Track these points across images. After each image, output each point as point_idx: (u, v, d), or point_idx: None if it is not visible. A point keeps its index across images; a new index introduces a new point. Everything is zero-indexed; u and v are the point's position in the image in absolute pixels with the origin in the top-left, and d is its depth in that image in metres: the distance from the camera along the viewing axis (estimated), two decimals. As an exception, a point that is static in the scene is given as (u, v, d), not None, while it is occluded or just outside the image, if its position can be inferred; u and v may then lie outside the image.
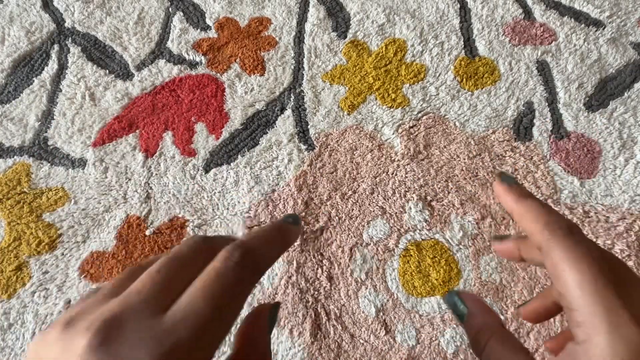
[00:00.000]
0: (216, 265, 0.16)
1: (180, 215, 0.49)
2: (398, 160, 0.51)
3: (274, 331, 0.43)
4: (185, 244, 0.18)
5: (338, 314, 0.44)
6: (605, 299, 0.16)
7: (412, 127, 0.53)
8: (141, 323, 0.15)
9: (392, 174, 0.50)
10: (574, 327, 0.17)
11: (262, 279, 0.45)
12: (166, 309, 0.15)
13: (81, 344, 0.14)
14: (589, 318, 0.16)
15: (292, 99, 0.56)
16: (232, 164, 0.52)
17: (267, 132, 0.54)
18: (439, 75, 0.57)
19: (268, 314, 0.21)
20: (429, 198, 0.49)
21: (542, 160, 0.50)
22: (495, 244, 0.24)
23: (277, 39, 0.61)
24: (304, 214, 0.48)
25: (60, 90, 0.58)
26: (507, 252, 0.24)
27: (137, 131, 0.55)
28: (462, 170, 0.50)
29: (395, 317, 0.43)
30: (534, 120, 0.53)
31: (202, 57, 0.60)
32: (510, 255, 0.23)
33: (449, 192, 0.49)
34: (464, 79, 0.56)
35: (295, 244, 0.46)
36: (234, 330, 0.18)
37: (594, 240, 0.45)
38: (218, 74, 0.58)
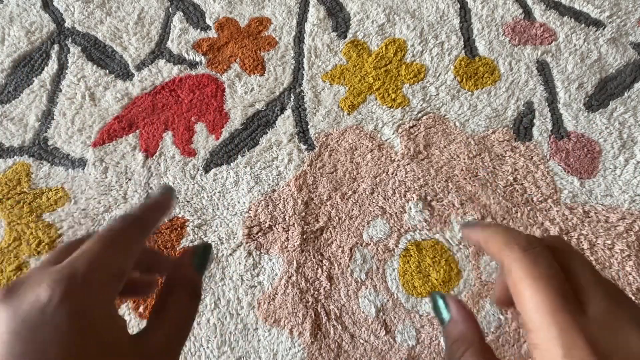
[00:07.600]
0: (109, 224, 0.21)
1: (180, 215, 0.49)
2: (398, 160, 0.51)
3: (274, 331, 0.43)
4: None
5: (338, 314, 0.44)
6: (561, 322, 0.16)
7: (412, 127, 0.53)
8: (43, 270, 0.18)
9: (392, 174, 0.50)
10: (531, 348, 0.18)
11: (262, 279, 0.45)
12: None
13: None
14: (545, 341, 0.17)
15: (292, 99, 0.56)
16: (232, 164, 0.52)
17: (267, 132, 0.54)
18: (439, 75, 0.57)
19: (194, 250, 0.24)
20: (429, 198, 0.49)
21: (542, 160, 0.50)
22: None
23: (277, 39, 0.61)
24: (304, 214, 0.48)
25: (60, 90, 0.58)
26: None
27: (137, 131, 0.55)
28: (462, 170, 0.50)
29: (395, 317, 0.43)
30: (534, 120, 0.53)
31: (202, 57, 0.60)
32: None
33: (449, 192, 0.49)
34: (464, 79, 0.56)
35: (295, 243, 0.46)
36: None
37: (594, 240, 0.45)
38: (218, 74, 0.58)
